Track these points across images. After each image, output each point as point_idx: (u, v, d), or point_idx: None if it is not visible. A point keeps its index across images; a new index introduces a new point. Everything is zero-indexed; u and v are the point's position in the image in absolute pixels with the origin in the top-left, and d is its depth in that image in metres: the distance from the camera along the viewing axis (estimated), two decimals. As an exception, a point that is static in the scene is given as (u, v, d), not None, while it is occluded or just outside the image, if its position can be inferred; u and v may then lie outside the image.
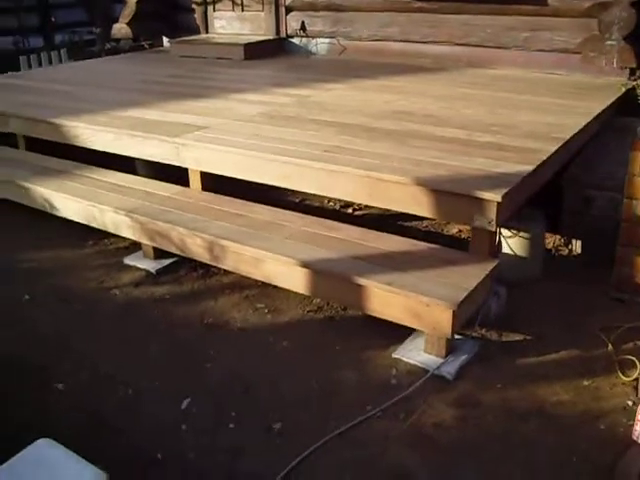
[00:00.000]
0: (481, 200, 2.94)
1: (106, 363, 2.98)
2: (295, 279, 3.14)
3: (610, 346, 3.00)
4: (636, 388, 2.72)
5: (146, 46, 7.84)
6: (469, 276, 2.90)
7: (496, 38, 5.60)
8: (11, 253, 4.07)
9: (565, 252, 3.97)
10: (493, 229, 2.98)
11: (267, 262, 3.22)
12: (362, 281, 2.91)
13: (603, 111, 4.20)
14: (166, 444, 2.48)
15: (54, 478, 1.84)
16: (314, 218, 3.55)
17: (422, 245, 3.22)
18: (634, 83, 4.63)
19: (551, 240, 4.01)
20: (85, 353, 3.07)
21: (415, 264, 3.02)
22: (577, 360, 2.95)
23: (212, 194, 3.91)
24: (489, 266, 2.99)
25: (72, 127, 4.41)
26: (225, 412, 2.64)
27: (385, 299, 2.88)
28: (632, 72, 4.67)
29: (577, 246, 3.93)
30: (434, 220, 4.28)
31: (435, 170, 3.20)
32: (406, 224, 4.25)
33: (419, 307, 2.80)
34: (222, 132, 3.92)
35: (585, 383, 2.79)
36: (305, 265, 3.08)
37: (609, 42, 4.87)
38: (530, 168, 3.18)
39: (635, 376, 2.78)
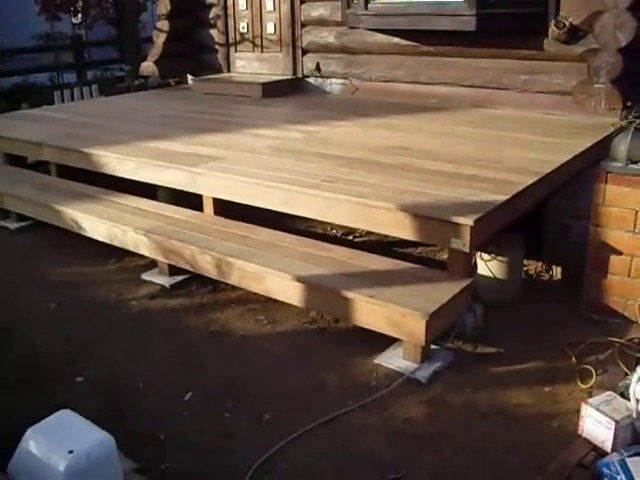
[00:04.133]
0: (456, 224, 3.31)
1: (120, 361, 3.38)
2: (291, 292, 3.52)
3: (573, 358, 3.31)
4: (590, 394, 3.02)
5: (172, 83, 8.36)
6: (443, 291, 3.25)
7: (498, 80, 5.99)
8: (42, 268, 4.51)
9: (546, 277, 4.29)
10: (467, 251, 3.34)
11: (267, 277, 3.60)
12: (348, 294, 3.28)
13: (589, 148, 4.55)
14: (168, 427, 2.86)
15: (71, 437, 2.23)
16: (310, 240, 3.94)
17: (405, 264, 3.59)
18: (622, 123, 4.97)
19: (533, 266, 4.34)
20: (103, 353, 3.47)
21: (396, 280, 3.39)
22: (542, 370, 3.27)
23: (222, 218, 4.32)
24: (463, 284, 3.34)
25: (100, 156, 4.87)
26: (222, 404, 3.00)
27: (368, 310, 3.24)
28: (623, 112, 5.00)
29: (557, 272, 4.25)
30: (428, 247, 4.63)
31: (418, 198, 3.58)
32: (401, 250, 4.60)
33: (397, 317, 3.15)
34: (232, 163, 4.35)
35: (546, 389, 3.11)
36: (299, 280, 3.46)
37: (597, 85, 5.24)
38: (503, 198, 3.55)
39: (591, 384, 3.09)
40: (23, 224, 5.16)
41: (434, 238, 3.51)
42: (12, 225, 5.19)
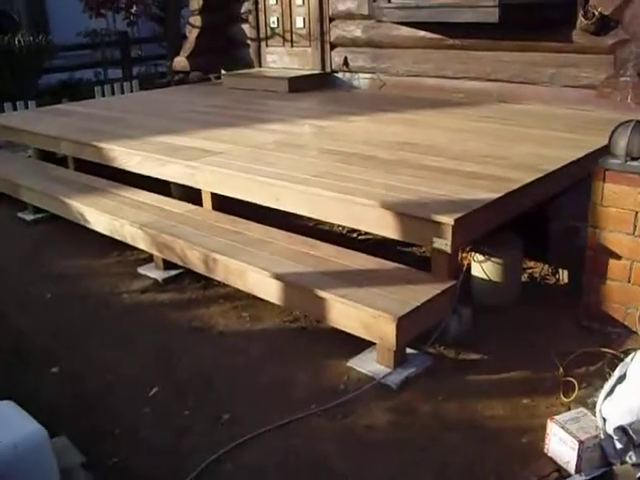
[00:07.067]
0: (438, 223, 3.16)
1: (97, 354, 3.39)
2: (269, 290, 3.44)
3: (561, 369, 3.11)
4: (570, 409, 2.82)
5: (213, 78, 8.39)
6: (420, 293, 3.11)
7: (524, 74, 5.77)
8: (48, 259, 4.58)
9: (552, 281, 4.07)
10: (449, 251, 3.18)
11: (248, 274, 3.54)
12: (321, 293, 3.18)
13: (606, 146, 4.29)
14: (126, 422, 2.83)
15: (3, 428, 2.24)
16: (301, 237, 3.84)
17: (389, 265, 3.45)
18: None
19: (539, 269, 4.12)
20: (83, 345, 3.49)
21: (376, 281, 3.26)
22: (525, 380, 3.07)
23: (219, 213, 4.27)
24: (443, 286, 3.18)
25: (109, 150, 4.92)
26: (185, 401, 2.96)
27: (340, 310, 3.13)
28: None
29: (564, 276, 4.02)
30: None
31: (404, 195, 3.44)
32: (405, 249, 4.45)
33: (368, 319, 3.03)
34: (230, 157, 4.31)
35: (524, 401, 2.92)
36: (278, 277, 3.38)
37: (623, 78, 4.96)
38: (494, 196, 3.37)
39: (572, 398, 2.89)
40: (39, 216, 5.25)
41: (417, 237, 3.37)
42: (28, 217, 5.29)
